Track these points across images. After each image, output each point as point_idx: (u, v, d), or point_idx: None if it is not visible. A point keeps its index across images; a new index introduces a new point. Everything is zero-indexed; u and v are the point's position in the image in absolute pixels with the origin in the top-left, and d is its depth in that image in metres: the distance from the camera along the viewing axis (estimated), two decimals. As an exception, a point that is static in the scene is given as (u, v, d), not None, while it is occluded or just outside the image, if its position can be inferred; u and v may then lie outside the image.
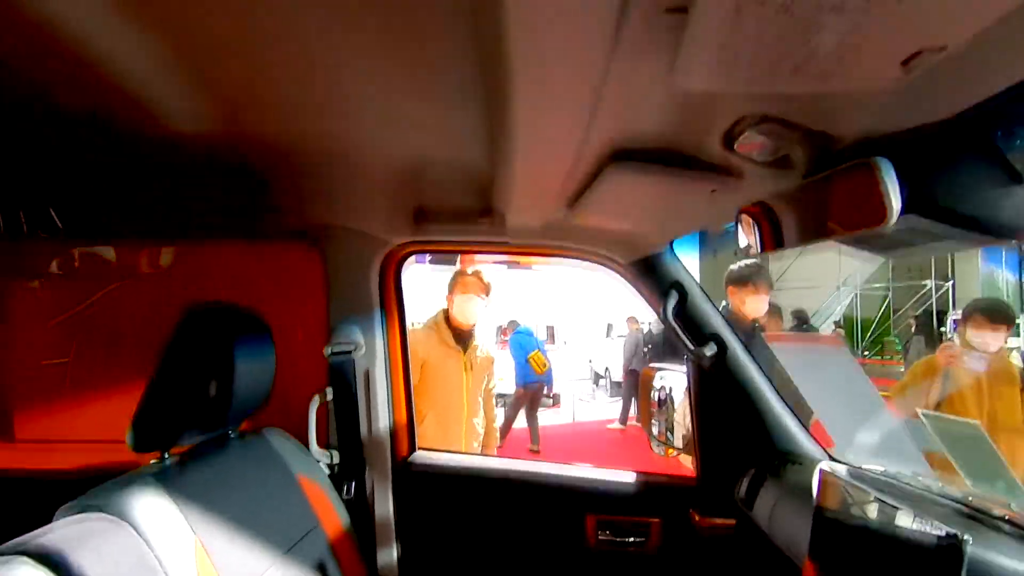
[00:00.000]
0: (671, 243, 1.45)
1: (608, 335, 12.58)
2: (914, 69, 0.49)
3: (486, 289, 2.47)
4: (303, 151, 1.27)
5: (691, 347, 1.41)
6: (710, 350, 1.40)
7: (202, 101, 1.06)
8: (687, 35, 0.48)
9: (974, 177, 0.61)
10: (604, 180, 0.97)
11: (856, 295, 15.07)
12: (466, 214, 1.46)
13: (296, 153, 1.28)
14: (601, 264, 1.57)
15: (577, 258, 1.59)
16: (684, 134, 0.81)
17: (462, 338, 2.48)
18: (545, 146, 0.89)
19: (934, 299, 13.30)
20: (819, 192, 0.72)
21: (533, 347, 7.15)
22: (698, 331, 1.43)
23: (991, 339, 2.59)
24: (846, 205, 0.66)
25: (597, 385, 12.88)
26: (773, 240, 0.87)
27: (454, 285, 2.47)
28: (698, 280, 1.49)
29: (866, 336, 14.66)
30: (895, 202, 0.59)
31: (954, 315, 11.22)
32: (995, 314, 2.62)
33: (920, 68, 0.49)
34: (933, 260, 13.08)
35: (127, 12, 0.77)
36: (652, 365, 1.71)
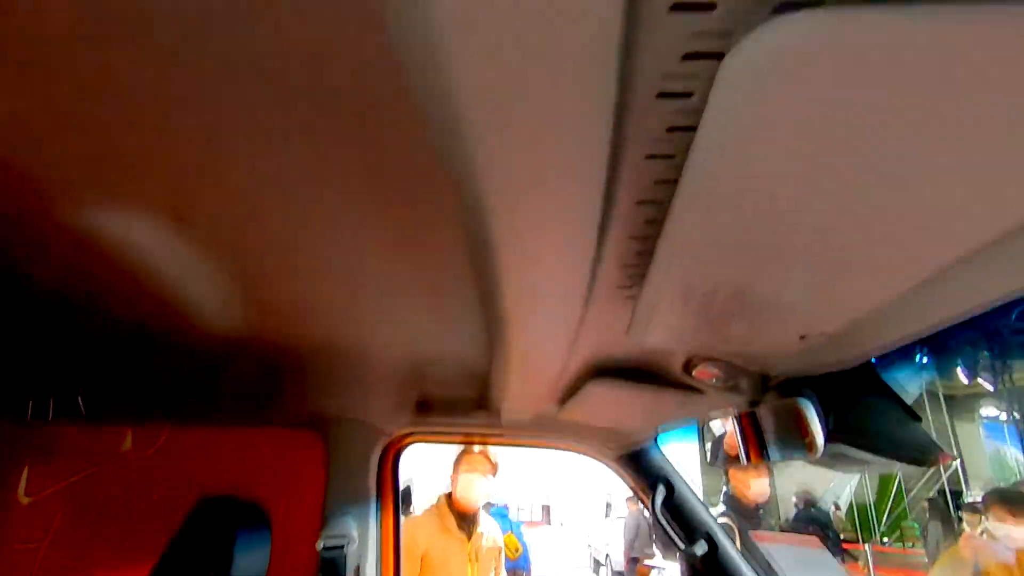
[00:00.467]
0: (656, 438, 1.55)
1: (607, 515, 11.80)
2: (810, 340, 0.66)
3: (493, 468, 2.31)
4: (315, 349, 1.42)
5: (682, 546, 1.43)
6: (700, 548, 1.42)
7: (223, 307, 1.24)
8: (635, 314, 0.66)
9: (876, 411, 0.75)
10: (587, 389, 1.12)
11: (864, 474, 14.46)
12: (464, 406, 1.58)
13: (308, 351, 1.43)
14: (591, 456, 1.64)
15: (568, 450, 1.67)
16: (651, 361, 0.97)
17: (466, 523, 2.28)
18: (535, 361, 1.05)
19: (944, 478, 12.77)
20: (766, 419, 0.86)
21: (506, 529, 6.61)
22: (688, 527, 1.46)
23: (1016, 532, 2.48)
24: (785, 434, 0.79)
25: (597, 574, 11.72)
26: (742, 451, 0.99)
27: (458, 463, 2.31)
28: (699, 459, 1.55)
29: (882, 520, 13.75)
30: (819, 435, 0.73)
31: (970, 496, 10.71)
32: (1017, 506, 2.54)
33: (814, 340, 0.66)
34: (935, 436, 12.83)
35: (154, 234, 0.98)
36: (647, 563, 1.69)
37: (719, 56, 0.28)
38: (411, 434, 1.69)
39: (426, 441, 1.76)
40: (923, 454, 0.73)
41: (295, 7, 0.44)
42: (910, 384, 9.94)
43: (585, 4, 0.27)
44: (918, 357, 10.03)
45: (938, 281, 0.53)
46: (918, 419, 0.74)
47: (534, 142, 0.39)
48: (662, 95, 0.35)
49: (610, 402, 1.22)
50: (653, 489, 1.50)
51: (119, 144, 0.76)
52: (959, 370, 10.07)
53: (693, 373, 0.93)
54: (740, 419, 1.01)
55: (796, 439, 0.78)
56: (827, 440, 0.73)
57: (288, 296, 1.21)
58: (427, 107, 0.39)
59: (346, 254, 1.01)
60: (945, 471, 12.81)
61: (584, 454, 1.65)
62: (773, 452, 0.90)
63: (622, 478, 1.61)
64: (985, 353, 9.95)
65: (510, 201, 0.47)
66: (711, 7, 0.29)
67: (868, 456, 0.74)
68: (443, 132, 0.40)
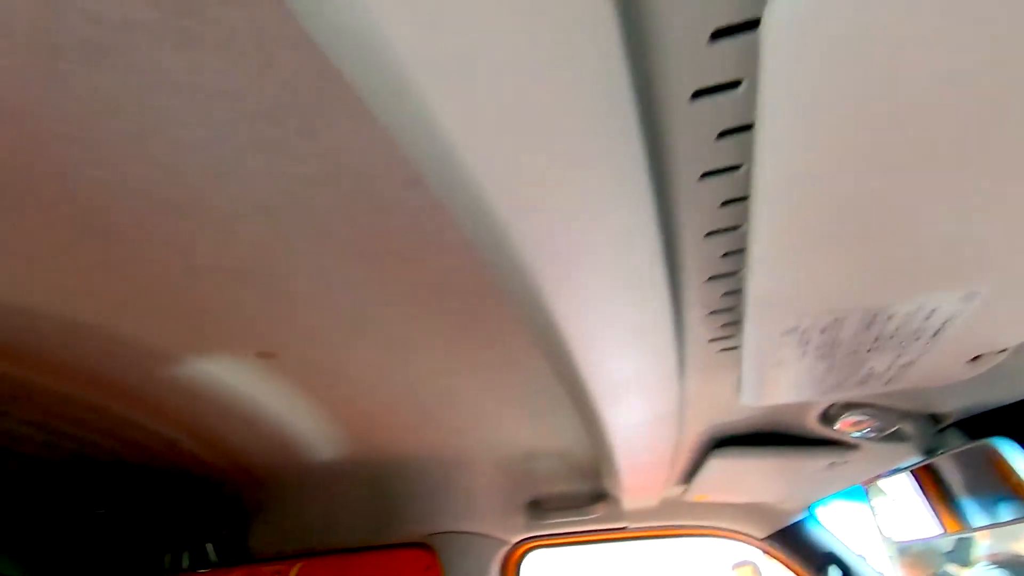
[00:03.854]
0: (811, 509, 1.31)
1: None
2: (985, 361, 0.51)
3: None
4: (417, 463, 1.41)
5: None
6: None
7: (325, 435, 1.26)
8: (743, 370, 0.55)
9: None
10: (711, 464, 0.97)
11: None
12: (580, 502, 1.45)
13: (411, 466, 1.42)
14: (735, 539, 1.41)
15: (706, 535, 1.46)
16: (779, 421, 0.82)
17: None
18: (641, 445, 0.93)
19: None
20: (951, 471, 0.67)
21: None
22: None
23: None
24: (984, 487, 0.61)
25: None
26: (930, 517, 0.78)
27: None
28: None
29: None
30: None
31: None
32: None
33: (990, 360, 0.51)
34: None
35: (254, 378, 1.03)
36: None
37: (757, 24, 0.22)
38: (528, 540, 1.56)
39: (547, 546, 1.61)
40: None
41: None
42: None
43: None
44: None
45: None
46: None
47: (570, 207, 0.34)
48: (697, 94, 0.28)
49: (741, 474, 1.05)
50: (821, 572, 1.24)
51: (211, 300, 0.81)
52: None
53: (836, 426, 0.77)
54: (917, 476, 0.81)
55: (1001, 492, 0.60)
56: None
57: (382, 417, 1.22)
58: (485, 250, 0.38)
59: (431, 369, 1.01)
60: None
61: (727, 538, 1.42)
62: (974, 514, 0.70)
63: (779, 562, 1.36)
64: None
65: (570, 295, 0.41)
66: None
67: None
68: (497, 249, 0.37)
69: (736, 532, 1.39)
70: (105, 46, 0.38)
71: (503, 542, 1.54)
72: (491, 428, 1.26)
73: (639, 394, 0.67)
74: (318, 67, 0.42)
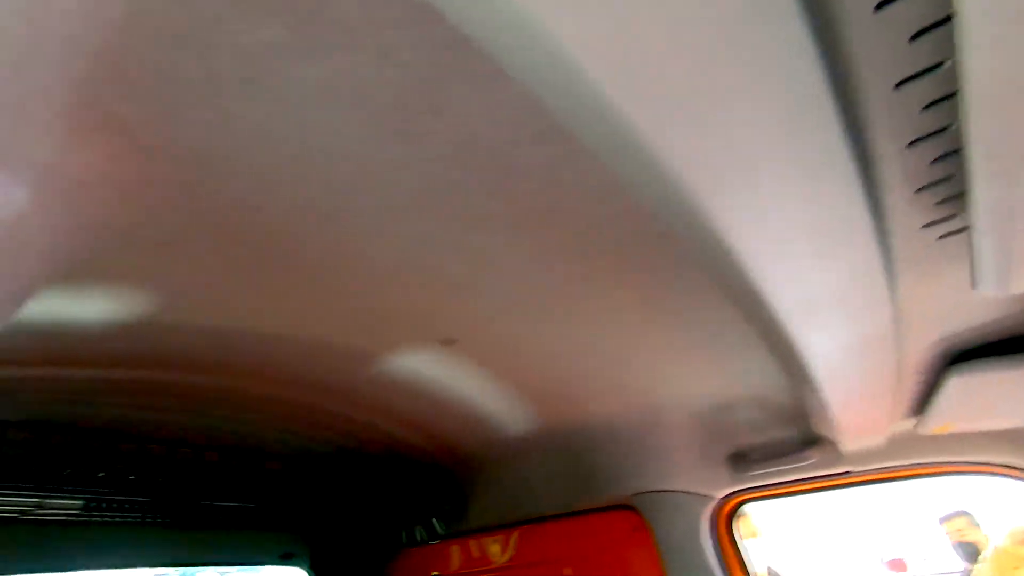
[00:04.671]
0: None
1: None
2: None
3: None
4: (611, 425, 1.42)
5: None
6: None
7: (521, 405, 1.33)
8: (976, 253, 0.44)
9: None
10: (950, 386, 0.81)
11: None
12: (788, 449, 1.34)
13: (605, 429, 1.43)
14: (999, 475, 1.18)
15: (955, 473, 1.24)
16: None
17: None
18: (849, 370, 0.81)
19: None
20: None
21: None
22: None
23: None
24: None
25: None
26: None
27: None
28: None
29: None
30: None
31: None
32: None
33: None
34: None
35: (447, 365, 1.10)
36: None
37: None
38: (736, 494, 1.48)
39: (758, 499, 1.51)
40: None
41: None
42: None
43: None
44: None
45: None
46: None
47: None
48: None
49: (995, 394, 0.87)
50: None
51: (385, 298, 0.90)
52: None
53: None
54: None
55: None
56: None
57: (567, 385, 1.25)
58: (629, 163, 0.36)
59: (602, 330, 1.01)
60: None
61: (988, 473, 1.19)
62: None
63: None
64: None
65: (733, 192, 0.36)
66: None
67: None
68: (642, 155, 0.35)
69: (1001, 466, 1.16)
70: (253, 74, 0.43)
71: (709, 498, 1.48)
72: (677, 382, 1.22)
73: (839, 310, 0.58)
74: (416, 39, 0.43)
